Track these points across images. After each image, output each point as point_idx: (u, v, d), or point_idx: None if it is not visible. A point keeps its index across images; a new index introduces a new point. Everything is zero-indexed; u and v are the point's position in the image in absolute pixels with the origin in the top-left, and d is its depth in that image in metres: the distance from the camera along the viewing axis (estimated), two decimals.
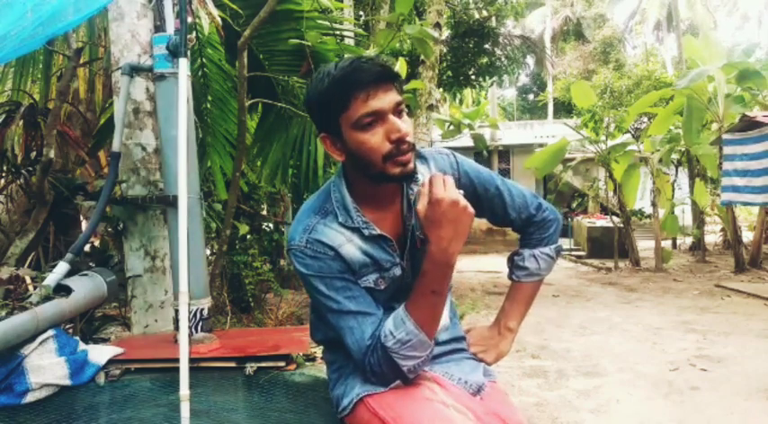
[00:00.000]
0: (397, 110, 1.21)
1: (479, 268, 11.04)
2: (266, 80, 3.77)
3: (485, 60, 10.88)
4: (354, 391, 1.33)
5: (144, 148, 2.65)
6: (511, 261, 1.57)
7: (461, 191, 1.18)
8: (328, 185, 1.36)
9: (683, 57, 12.59)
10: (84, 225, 3.89)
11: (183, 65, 1.89)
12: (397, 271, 1.34)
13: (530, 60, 23.00)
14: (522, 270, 1.53)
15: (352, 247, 1.29)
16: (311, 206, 1.35)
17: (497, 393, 1.38)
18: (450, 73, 10.94)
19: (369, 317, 1.28)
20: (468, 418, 1.21)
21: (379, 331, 1.25)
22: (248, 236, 4.84)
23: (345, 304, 1.27)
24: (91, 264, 2.67)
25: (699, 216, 11.35)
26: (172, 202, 2.15)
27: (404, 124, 1.20)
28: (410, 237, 1.36)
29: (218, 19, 2.72)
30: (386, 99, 1.18)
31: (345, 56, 1.26)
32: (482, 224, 15.58)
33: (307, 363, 1.91)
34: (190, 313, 2.05)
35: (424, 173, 1.37)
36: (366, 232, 1.30)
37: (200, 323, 2.12)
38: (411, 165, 1.24)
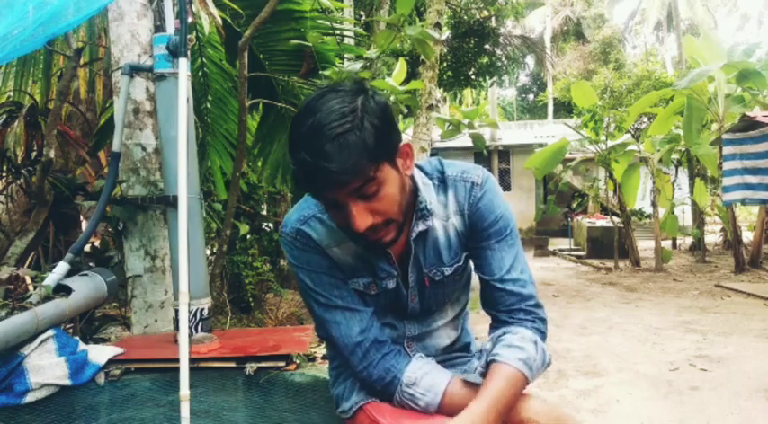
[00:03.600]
0: (360, 196, 1.06)
1: None
2: (267, 80, 3.77)
3: (485, 60, 10.87)
4: (353, 397, 1.31)
5: (144, 148, 2.65)
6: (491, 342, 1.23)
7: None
8: None
9: (684, 56, 12.59)
10: (84, 225, 3.89)
11: (183, 65, 1.89)
12: (391, 284, 1.26)
13: (529, 60, 22.99)
14: (512, 349, 1.16)
15: (345, 249, 1.23)
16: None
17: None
18: (450, 73, 10.93)
19: (356, 314, 1.24)
20: None
21: (406, 366, 1.21)
22: (248, 236, 4.84)
23: (332, 299, 1.24)
24: (91, 264, 2.67)
25: (699, 216, 11.35)
26: (172, 202, 2.15)
27: (369, 209, 1.06)
28: (411, 273, 1.27)
29: (219, 19, 2.72)
30: (340, 192, 1.04)
31: (307, 114, 1.07)
32: None
33: (307, 363, 1.90)
34: (190, 313, 2.05)
35: (437, 208, 1.25)
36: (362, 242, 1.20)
37: (200, 323, 2.12)
38: (387, 239, 1.12)
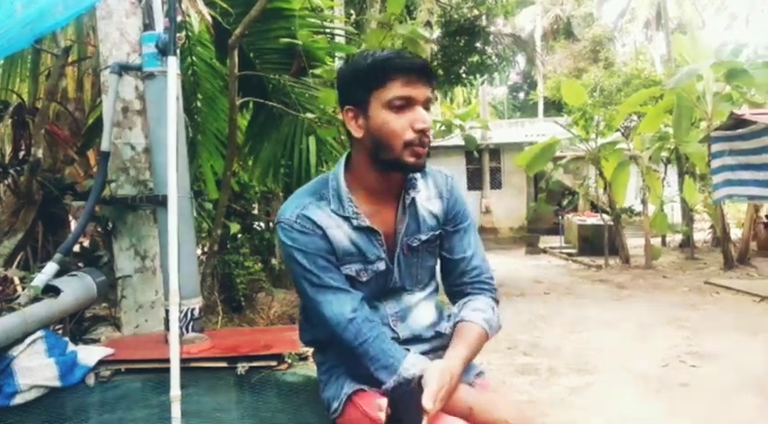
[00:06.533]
0: (426, 105, 1.29)
1: None
2: (257, 79, 3.75)
3: (475, 59, 10.86)
4: (343, 390, 1.34)
5: (133, 147, 2.63)
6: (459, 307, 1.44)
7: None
8: (328, 173, 1.42)
9: (672, 55, 12.66)
10: (73, 225, 3.86)
11: (173, 63, 1.88)
12: (381, 266, 1.37)
13: (520, 59, 23.02)
14: (477, 312, 1.39)
15: (340, 232, 1.33)
16: (308, 188, 1.40)
17: (484, 388, 1.39)
18: (440, 71, 10.92)
19: (348, 294, 1.32)
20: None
21: (404, 357, 1.28)
22: (239, 235, 4.82)
23: (326, 280, 1.31)
24: (80, 264, 2.65)
25: (688, 214, 11.42)
26: (162, 202, 2.13)
27: (429, 118, 1.29)
28: (399, 242, 1.39)
29: (208, 17, 2.71)
30: (421, 90, 1.27)
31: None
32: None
33: (298, 362, 1.90)
34: (180, 313, 2.03)
35: (421, 188, 1.42)
36: (355, 222, 1.33)
37: (191, 323, 2.11)
38: (424, 160, 1.31)
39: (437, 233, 1.44)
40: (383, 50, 1.30)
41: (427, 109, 1.29)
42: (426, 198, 1.43)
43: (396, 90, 1.25)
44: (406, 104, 1.26)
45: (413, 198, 1.39)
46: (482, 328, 1.35)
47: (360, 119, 1.30)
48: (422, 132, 1.27)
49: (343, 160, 1.39)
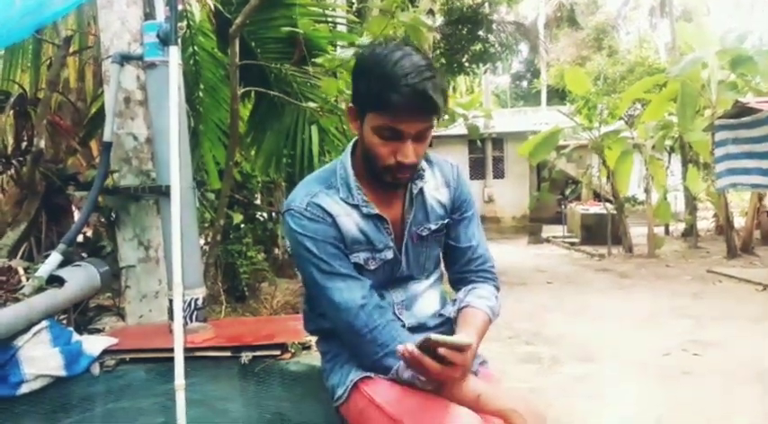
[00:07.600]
0: (418, 137, 1.26)
1: None
2: (259, 68, 3.73)
3: (478, 47, 10.80)
4: (349, 377, 1.34)
5: (136, 138, 2.63)
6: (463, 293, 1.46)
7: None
8: (335, 162, 1.42)
9: (677, 43, 12.57)
10: (76, 215, 3.86)
11: (174, 53, 1.87)
12: (389, 254, 1.38)
13: (523, 47, 22.86)
14: (482, 299, 1.42)
15: (349, 221, 1.34)
16: (316, 176, 1.41)
17: (488, 378, 1.40)
18: (443, 60, 10.86)
19: (358, 281, 1.32)
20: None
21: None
22: (242, 226, 4.82)
23: (336, 267, 1.32)
24: (84, 255, 2.66)
25: (691, 203, 11.39)
26: (165, 192, 2.14)
27: (416, 151, 1.26)
28: (407, 230, 1.39)
29: (210, 5, 2.69)
30: (414, 126, 1.23)
31: (399, 55, 1.22)
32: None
33: (302, 352, 1.91)
34: (184, 302, 2.04)
35: (428, 178, 1.43)
36: (365, 210, 1.34)
37: (195, 313, 2.12)
38: (404, 180, 1.33)
39: (445, 222, 1.45)
40: (395, 63, 1.19)
41: (422, 139, 1.26)
42: (434, 188, 1.44)
43: (386, 120, 1.21)
44: (393, 135, 1.23)
45: (420, 188, 1.40)
46: (487, 315, 1.39)
47: (357, 122, 1.31)
48: (400, 164, 1.26)
49: (349, 148, 1.39)
